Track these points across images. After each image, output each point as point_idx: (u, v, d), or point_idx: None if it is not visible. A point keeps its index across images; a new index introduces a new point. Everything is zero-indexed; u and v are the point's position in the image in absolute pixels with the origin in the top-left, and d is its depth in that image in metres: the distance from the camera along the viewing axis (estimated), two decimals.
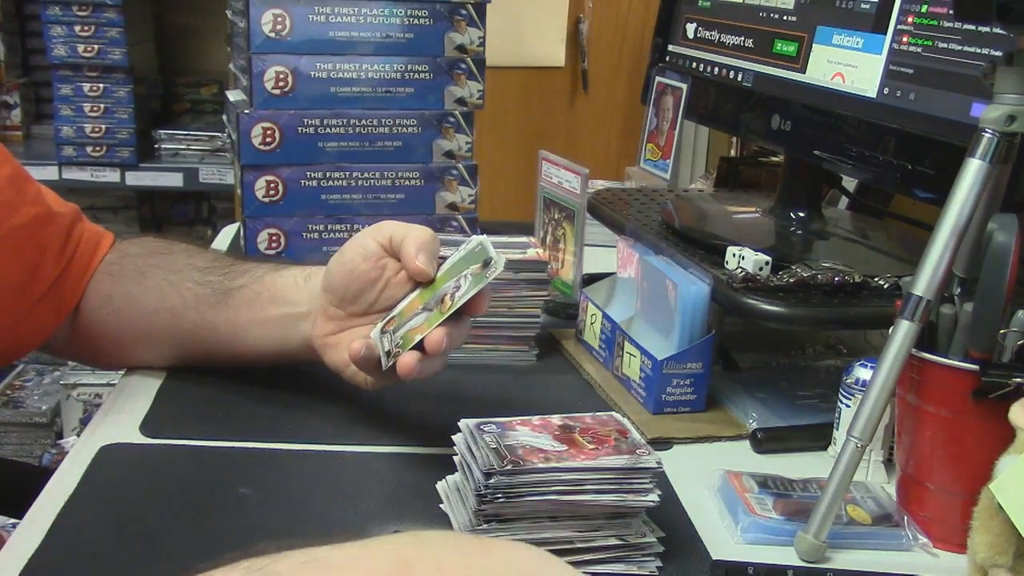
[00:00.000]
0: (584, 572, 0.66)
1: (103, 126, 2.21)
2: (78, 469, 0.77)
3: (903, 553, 0.73)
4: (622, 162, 2.00)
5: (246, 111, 1.18)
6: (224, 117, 1.51)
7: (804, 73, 1.00)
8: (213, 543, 0.68)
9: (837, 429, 0.86)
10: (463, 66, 1.23)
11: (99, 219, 2.40)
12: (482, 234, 0.81)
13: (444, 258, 0.82)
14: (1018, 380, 0.67)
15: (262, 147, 1.18)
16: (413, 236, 0.81)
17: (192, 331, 0.90)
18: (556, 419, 0.72)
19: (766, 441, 0.88)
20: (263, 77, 1.17)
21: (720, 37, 1.15)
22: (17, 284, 0.87)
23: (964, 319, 0.72)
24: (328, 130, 1.20)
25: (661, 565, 0.68)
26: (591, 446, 0.68)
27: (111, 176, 2.24)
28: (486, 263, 0.77)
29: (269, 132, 1.18)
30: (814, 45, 1.00)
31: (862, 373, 0.83)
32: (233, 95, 1.28)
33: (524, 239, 1.06)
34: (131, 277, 0.91)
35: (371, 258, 0.82)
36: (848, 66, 0.95)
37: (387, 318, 0.81)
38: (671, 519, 0.73)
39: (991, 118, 0.69)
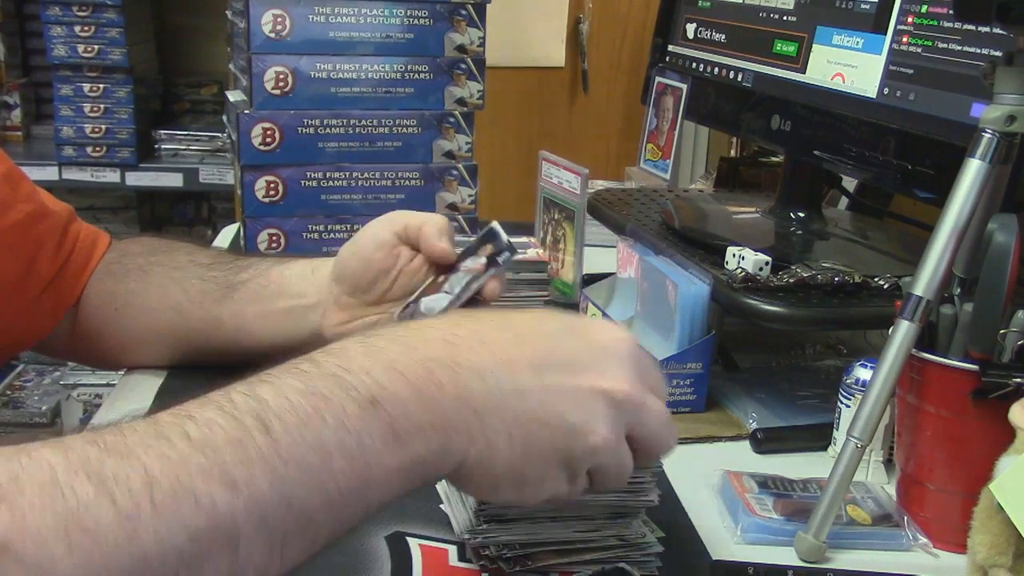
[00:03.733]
0: (584, 571, 0.66)
1: (103, 126, 2.21)
2: None
3: (903, 553, 0.73)
4: (622, 162, 2.00)
5: (246, 111, 1.18)
6: (224, 117, 1.51)
7: (804, 73, 1.01)
8: None
9: (837, 429, 0.86)
10: (463, 66, 1.23)
11: (99, 219, 2.41)
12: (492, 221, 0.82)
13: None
14: (1018, 380, 0.67)
15: (262, 147, 1.18)
16: (433, 222, 0.82)
17: (197, 327, 0.90)
18: None
19: (766, 441, 0.88)
20: (263, 77, 1.17)
21: (720, 37, 1.15)
22: (13, 281, 0.87)
23: (964, 319, 0.72)
24: (328, 130, 1.20)
25: (661, 565, 0.68)
26: None
27: (111, 176, 2.24)
28: (498, 250, 0.77)
29: (269, 132, 1.18)
30: (814, 45, 1.00)
31: (862, 373, 0.83)
32: (233, 95, 1.28)
33: (524, 239, 1.06)
34: (133, 275, 0.91)
35: (385, 247, 0.83)
36: (848, 66, 0.95)
37: (405, 304, 0.82)
38: (671, 519, 0.73)
39: (991, 118, 0.69)
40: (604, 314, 1.00)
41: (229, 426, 0.47)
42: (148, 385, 0.92)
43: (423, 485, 0.54)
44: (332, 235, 1.23)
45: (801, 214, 1.09)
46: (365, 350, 0.53)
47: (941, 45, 0.85)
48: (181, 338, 0.91)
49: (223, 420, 0.47)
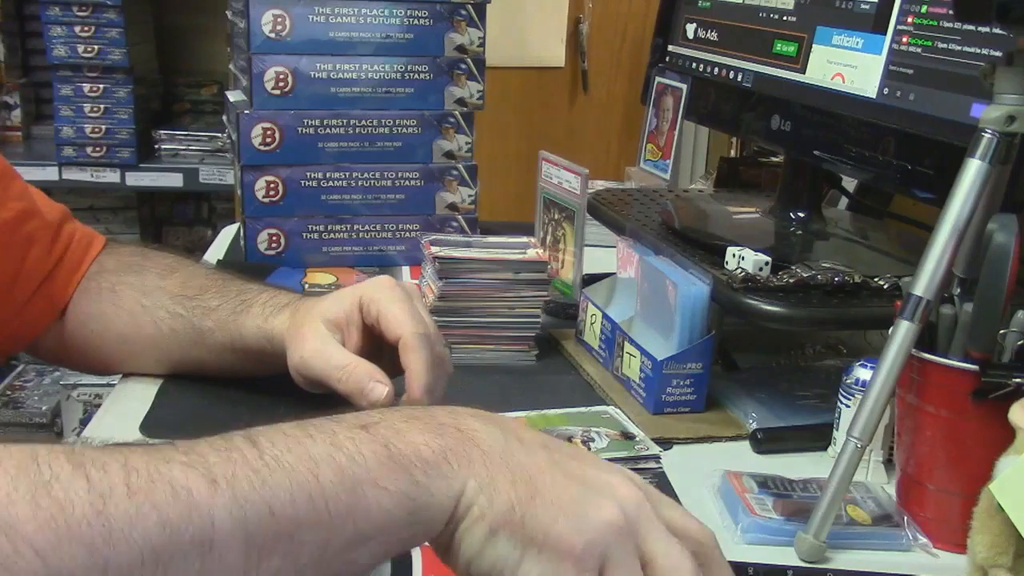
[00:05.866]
0: None
1: (103, 126, 2.21)
2: None
3: (903, 553, 0.73)
4: (622, 162, 2.01)
5: (246, 111, 1.18)
6: (224, 117, 1.51)
7: (804, 73, 1.00)
8: None
9: (837, 429, 0.86)
10: (463, 66, 1.23)
11: (99, 219, 2.41)
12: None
13: None
14: (1018, 380, 0.67)
15: (262, 147, 1.18)
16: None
17: (180, 360, 0.90)
18: None
19: (766, 441, 0.88)
20: (263, 77, 1.17)
21: (720, 37, 1.15)
22: (6, 279, 0.87)
23: (964, 319, 0.72)
24: (328, 130, 1.20)
25: None
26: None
27: (111, 176, 2.24)
28: None
29: (269, 132, 1.18)
30: (814, 45, 1.00)
31: (862, 373, 0.83)
32: (233, 95, 1.28)
33: (524, 239, 1.06)
34: (105, 297, 0.91)
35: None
36: (848, 66, 0.95)
37: None
38: None
39: (991, 118, 0.69)
40: (604, 315, 1.00)
41: (216, 441, 0.47)
42: (147, 386, 0.91)
43: (412, 539, 0.50)
44: (332, 235, 1.23)
45: (801, 214, 1.09)
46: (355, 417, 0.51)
47: (941, 45, 0.85)
48: (164, 363, 0.91)
49: (211, 439, 0.47)
